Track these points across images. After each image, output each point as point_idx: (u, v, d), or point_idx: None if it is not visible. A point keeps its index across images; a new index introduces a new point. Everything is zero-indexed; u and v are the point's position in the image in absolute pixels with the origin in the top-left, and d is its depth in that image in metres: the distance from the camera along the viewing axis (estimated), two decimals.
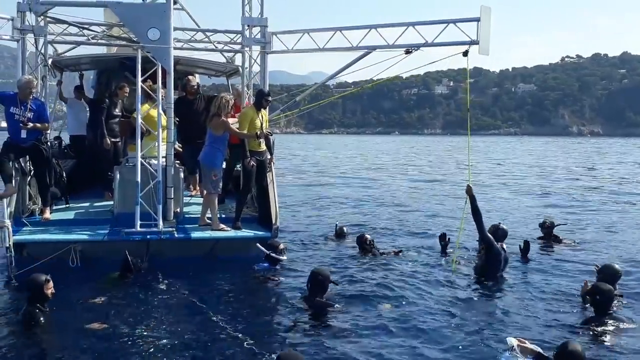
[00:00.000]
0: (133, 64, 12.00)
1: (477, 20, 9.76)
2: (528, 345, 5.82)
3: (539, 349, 5.75)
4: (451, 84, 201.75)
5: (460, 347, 6.50)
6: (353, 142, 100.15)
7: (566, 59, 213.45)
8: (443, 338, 6.76)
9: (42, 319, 6.77)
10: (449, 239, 10.96)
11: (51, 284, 6.97)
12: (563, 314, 7.66)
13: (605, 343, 6.64)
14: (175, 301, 7.90)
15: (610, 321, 6.97)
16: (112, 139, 11.35)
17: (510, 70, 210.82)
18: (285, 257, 9.68)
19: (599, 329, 6.89)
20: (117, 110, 11.45)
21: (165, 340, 6.44)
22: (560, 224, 12.71)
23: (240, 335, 6.56)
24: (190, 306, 7.67)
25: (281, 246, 9.68)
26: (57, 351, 6.30)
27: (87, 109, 12.12)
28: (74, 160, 12.12)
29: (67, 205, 11.04)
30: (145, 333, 6.65)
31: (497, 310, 7.80)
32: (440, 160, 48.30)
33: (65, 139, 13.20)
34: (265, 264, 9.45)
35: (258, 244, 9.59)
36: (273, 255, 9.44)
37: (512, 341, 5.89)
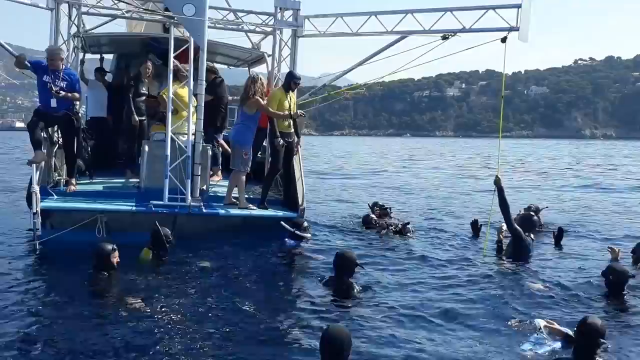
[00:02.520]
0: (159, 45, 12.04)
1: (519, 6, 9.61)
2: (556, 326, 5.80)
3: (567, 330, 5.70)
4: (463, 86, 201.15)
5: (487, 329, 6.40)
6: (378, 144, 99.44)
7: (579, 62, 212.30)
8: (469, 320, 6.64)
9: (105, 286, 6.89)
10: (481, 225, 10.90)
11: (117, 253, 7.08)
12: (591, 296, 7.54)
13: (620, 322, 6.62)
14: (200, 280, 7.78)
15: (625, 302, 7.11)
16: (139, 118, 11.31)
17: (523, 72, 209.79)
18: (309, 235, 9.71)
19: (615, 308, 6.99)
20: (144, 88, 11.43)
21: (190, 322, 6.26)
22: (544, 208, 12.62)
23: (265, 315, 6.49)
24: (216, 286, 7.56)
25: (305, 224, 9.75)
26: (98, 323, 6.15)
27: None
28: (92, 141, 12.02)
29: (91, 180, 10.99)
30: (172, 314, 6.43)
31: (525, 293, 7.67)
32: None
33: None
34: (292, 242, 9.47)
35: (282, 222, 9.64)
36: (297, 232, 9.48)
37: (540, 322, 5.87)
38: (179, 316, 6.35)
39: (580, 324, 5.35)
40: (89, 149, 11.08)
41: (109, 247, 7.13)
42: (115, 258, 7.14)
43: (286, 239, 9.55)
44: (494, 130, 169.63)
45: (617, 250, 9.05)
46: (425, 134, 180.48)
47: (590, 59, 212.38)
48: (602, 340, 5.18)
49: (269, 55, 12.81)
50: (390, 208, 12.34)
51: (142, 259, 8.25)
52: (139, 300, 6.68)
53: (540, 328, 5.80)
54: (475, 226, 11.23)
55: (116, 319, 6.18)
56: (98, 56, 13.84)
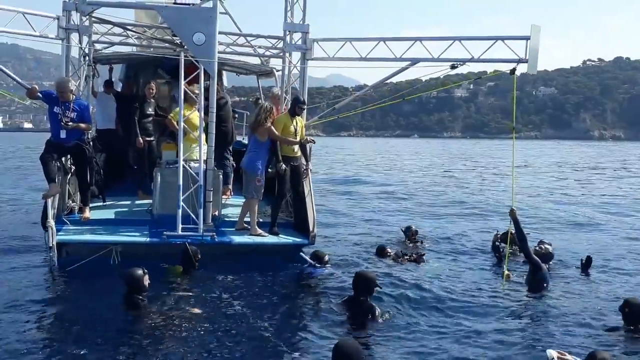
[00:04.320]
0: (169, 61, 12.12)
1: (527, 38, 9.62)
2: (568, 357, 5.78)
3: None
4: (471, 87, 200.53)
5: (501, 357, 6.51)
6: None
7: (588, 62, 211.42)
8: (482, 348, 6.74)
9: (141, 307, 7.20)
10: (503, 249, 10.89)
11: (147, 276, 7.31)
12: (605, 328, 7.55)
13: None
14: (215, 306, 7.91)
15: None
16: (147, 138, 11.39)
17: (531, 73, 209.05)
18: (328, 269, 9.60)
19: (629, 340, 6.96)
20: (150, 109, 11.51)
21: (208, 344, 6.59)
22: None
23: (281, 335, 6.75)
24: (233, 310, 7.71)
25: (326, 257, 9.70)
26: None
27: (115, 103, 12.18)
28: (102, 154, 12.14)
29: (104, 204, 11.10)
30: (190, 333, 6.83)
31: (538, 322, 7.79)
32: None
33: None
34: (315, 269, 9.47)
35: (302, 253, 9.59)
36: (317, 266, 9.43)
37: (552, 353, 5.85)
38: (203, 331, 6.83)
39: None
40: (101, 171, 11.20)
41: (140, 271, 7.30)
42: (147, 281, 7.32)
43: (313, 269, 9.51)
44: (501, 131, 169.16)
45: None
46: (433, 135, 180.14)
47: (599, 59, 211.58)
48: None
49: (277, 70, 12.91)
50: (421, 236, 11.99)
51: (172, 270, 8.87)
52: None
53: (553, 358, 5.79)
54: (497, 249, 11.24)
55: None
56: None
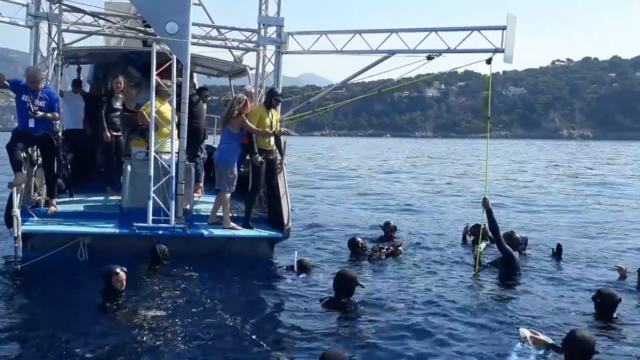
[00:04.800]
0: (139, 58, 11.87)
1: (504, 28, 9.58)
2: (540, 336, 5.88)
3: (551, 340, 5.82)
4: (442, 86, 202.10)
5: (474, 339, 6.60)
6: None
7: (556, 63, 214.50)
8: (456, 330, 6.86)
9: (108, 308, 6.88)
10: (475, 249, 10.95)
11: (122, 276, 6.98)
12: (578, 310, 7.78)
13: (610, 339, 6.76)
14: (191, 303, 7.67)
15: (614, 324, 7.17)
16: (114, 133, 11.14)
17: (501, 73, 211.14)
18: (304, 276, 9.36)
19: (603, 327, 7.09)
20: (118, 103, 11.26)
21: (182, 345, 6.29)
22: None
23: (262, 338, 6.43)
24: (210, 309, 7.44)
25: (311, 271, 9.51)
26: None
27: (83, 103, 11.93)
28: (70, 154, 11.84)
29: (71, 199, 10.81)
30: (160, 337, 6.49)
31: (511, 304, 7.99)
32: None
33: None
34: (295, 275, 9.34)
35: (295, 258, 9.48)
36: (295, 272, 9.32)
37: (525, 332, 5.95)
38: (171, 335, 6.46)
39: (569, 337, 5.50)
40: (69, 166, 10.89)
41: (113, 269, 7.02)
42: (120, 281, 7.00)
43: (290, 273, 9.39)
44: (472, 131, 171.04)
45: (624, 268, 9.27)
46: (405, 134, 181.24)
47: (568, 60, 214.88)
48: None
49: (251, 69, 12.72)
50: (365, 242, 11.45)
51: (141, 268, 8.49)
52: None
53: (525, 337, 5.88)
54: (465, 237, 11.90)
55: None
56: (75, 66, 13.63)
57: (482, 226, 10.06)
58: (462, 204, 19.44)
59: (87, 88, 13.27)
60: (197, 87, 12.20)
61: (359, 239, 11.05)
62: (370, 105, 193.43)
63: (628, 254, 11.63)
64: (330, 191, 23.30)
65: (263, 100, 10.50)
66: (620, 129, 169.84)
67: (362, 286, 7.73)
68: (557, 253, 10.82)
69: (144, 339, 6.30)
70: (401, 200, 20.54)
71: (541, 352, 5.83)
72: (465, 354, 6.18)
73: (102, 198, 11.00)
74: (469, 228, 11.97)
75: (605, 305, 7.29)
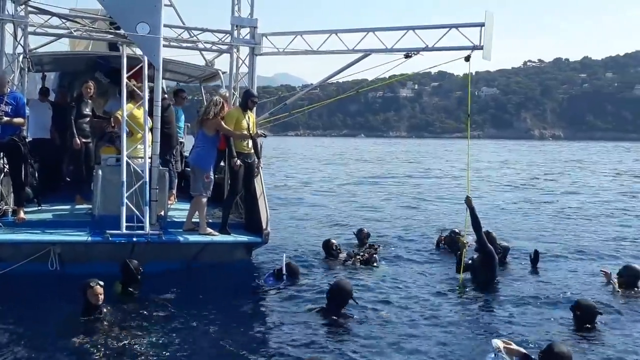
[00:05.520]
0: (107, 63, 11.51)
1: (482, 25, 9.45)
2: (514, 347, 5.80)
3: (524, 351, 5.74)
4: (416, 87, 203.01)
5: (447, 349, 6.60)
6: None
7: (528, 63, 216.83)
8: (430, 340, 6.85)
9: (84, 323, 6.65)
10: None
11: (97, 289, 6.73)
12: (552, 318, 7.75)
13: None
14: (168, 313, 7.54)
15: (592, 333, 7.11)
16: (83, 140, 10.74)
17: (474, 74, 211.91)
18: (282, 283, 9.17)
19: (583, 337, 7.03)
20: (87, 109, 10.87)
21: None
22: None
23: (247, 350, 6.34)
24: (191, 320, 7.29)
25: (300, 276, 9.36)
26: None
27: (50, 111, 11.50)
28: (37, 163, 11.43)
29: (39, 207, 10.38)
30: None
31: (488, 314, 7.96)
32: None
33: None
34: (271, 279, 9.11)
35: (285, 259, 9.33)
36: (284, 275, 9.11)
37: (498, 343, 5.84)
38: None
39: (546, 350, 5.49)
40: (36, 175, 10.51)
41: (88, 282, 6.78)
42: (95, 295, 6.74)
43: (265, 279, 9.20)
44: (445, 131, 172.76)
45: (609, 273, 9.23)
46: (379, 134, 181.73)
47: (539, 60, 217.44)
48: None
49: (223, 72, 12.41)
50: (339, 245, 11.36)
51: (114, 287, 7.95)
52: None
53: (498, 348, 5.75)
54: (438, 245, 11.89)
55: None
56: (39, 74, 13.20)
57: (458, 237, 10.00)
58: (443, 209, 19.33)
59: (52, 97, 12.87)
60: (166, 92, 11.86)
61: (334, 241, 10.98)
62: (345, 105, 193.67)
63: (608, 259, 11.60)
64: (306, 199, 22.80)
65: (238, 103, 10.24)
66: (590, 129, 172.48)
67: (357, 302, 7.59)
68: (534, 259, 10.64)
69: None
70: (375, 205, 20.33)
71: None
72: None
73: (71, 207, 10.62)
74: (442, 237, 11.94)
75: (584, 316, 7.25)
